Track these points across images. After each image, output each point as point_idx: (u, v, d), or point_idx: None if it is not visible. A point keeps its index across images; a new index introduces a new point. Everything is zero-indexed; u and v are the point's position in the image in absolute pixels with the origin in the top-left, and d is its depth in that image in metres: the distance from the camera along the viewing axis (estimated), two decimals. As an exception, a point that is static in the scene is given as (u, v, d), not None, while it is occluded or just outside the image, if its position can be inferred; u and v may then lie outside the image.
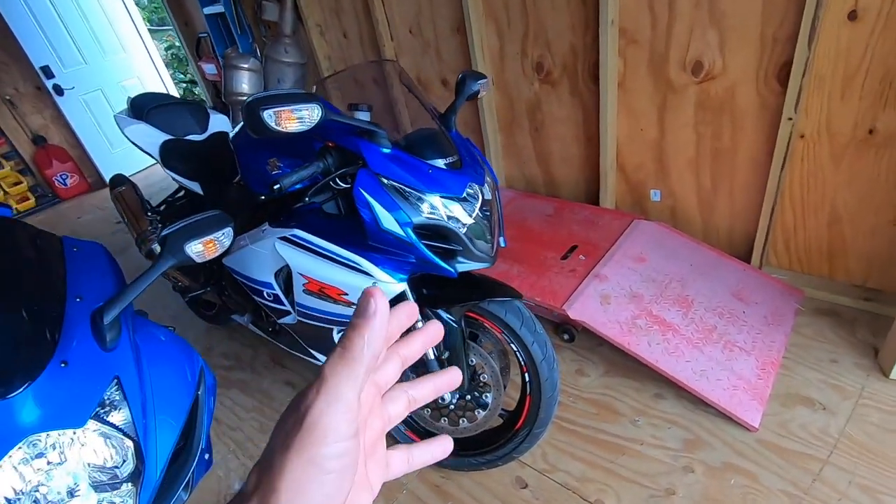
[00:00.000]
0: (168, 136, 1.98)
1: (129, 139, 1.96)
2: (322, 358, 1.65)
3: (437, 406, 1.49)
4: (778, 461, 1.44)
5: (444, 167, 1.23)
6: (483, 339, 1.48)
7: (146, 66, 5.20)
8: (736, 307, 1.87)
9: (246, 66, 3.19)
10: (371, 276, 1.23)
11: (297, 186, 1.27)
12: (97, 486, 0.75)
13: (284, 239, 1.33)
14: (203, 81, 4.56)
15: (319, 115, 1.02)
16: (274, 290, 1.49)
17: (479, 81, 1.45)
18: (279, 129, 0.99)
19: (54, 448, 0.72)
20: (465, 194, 1.21)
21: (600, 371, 1.83)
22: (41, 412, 0.70)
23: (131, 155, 4.44)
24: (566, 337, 1.98)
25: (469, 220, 1.23)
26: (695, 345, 1.73)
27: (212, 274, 1.94)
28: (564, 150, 2.44)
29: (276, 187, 1.13)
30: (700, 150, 2.01)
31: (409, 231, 1.15)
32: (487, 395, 1.46)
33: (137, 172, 5.08)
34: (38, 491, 0.71)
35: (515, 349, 1.40)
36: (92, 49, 4.70)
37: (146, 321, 0.93)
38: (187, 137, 2.01)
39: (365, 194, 1.14)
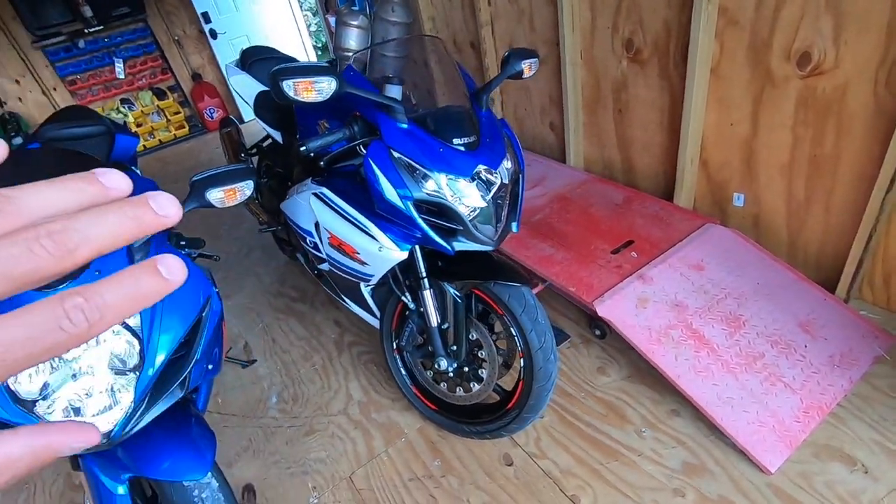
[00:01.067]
0: (263, 88, 2.22)
1: (231, 87, 2.23)
2: (353, 306, 1.82)
3: (436, 369, 1.58)
4: (784, 511, 1.31)
5: (459, 147, 1.25)
6: (494, 318, 1.52)
7: (288, 17, 5.68)
8: (797, 339, 1.65)
9: (355, 22, 3.35)
10: (378, 241, 1.32)
11: (333, 149, 1.39)
12: (112, 368, 0.96)
13: (316, 195, 1.47)
14: (329, 33, 4.88)
15: (335, 87, 1.11)
16: (314, 238, 1.66)
17: (526, 60, 1.42)
18: (297, 98, 1.10)
19: None
20: (472, 175, 1.23)
21: (622, 374, 1.77)
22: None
23: (263, 98, 4.98)
24: (597, 332, 1.92)
25: (481, 204, 1.26)
26: (730, 369, 1.58)
27: (282, 215, 2.19)
28: (647, 138, 2.26)
29: (302, 148, 1.26)
30: (796, 155, 1.75)
31: (409, 205, 1.21)
32: (483, 370, 1.51)
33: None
34: (76, 362, 0.94)
35: (514, 333, 1.42)
36: (243, -2, 5.25)
37: (172, 249, 1.13)
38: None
39: (373, 165, 1.22)
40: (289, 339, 2.26)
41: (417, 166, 1.21)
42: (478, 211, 1.26)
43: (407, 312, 1.56)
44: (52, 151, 1.09)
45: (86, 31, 4.69)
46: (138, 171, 1.91)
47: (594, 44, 2.28)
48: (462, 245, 1.27)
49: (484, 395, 1.54)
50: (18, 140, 4.28)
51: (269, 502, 1.60)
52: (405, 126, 1.24)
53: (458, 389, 1.57)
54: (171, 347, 1.01)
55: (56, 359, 0.93)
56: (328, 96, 1.12)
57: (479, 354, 1.50)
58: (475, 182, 1.25)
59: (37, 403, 0.90)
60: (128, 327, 0.98)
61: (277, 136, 2.12)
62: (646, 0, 1.96)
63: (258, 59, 2.32)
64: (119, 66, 4.98)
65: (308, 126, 1.59)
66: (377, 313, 1.73)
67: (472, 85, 1.43)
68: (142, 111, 5.24)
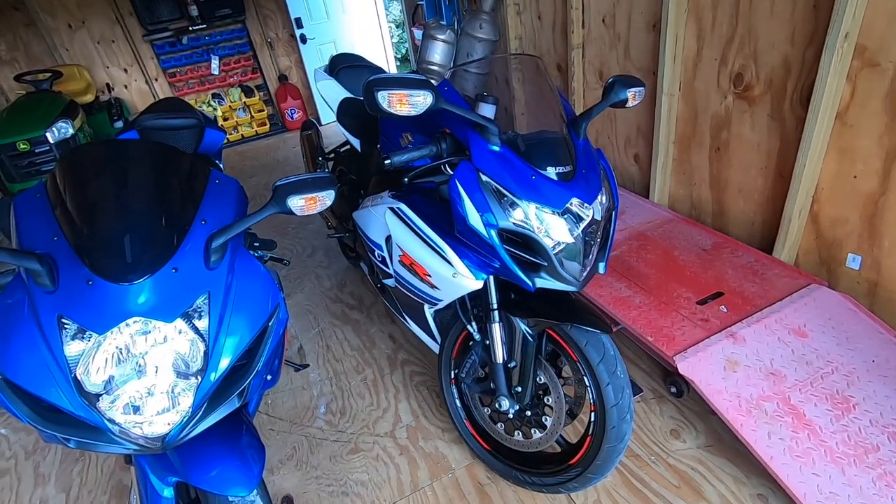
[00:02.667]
0: (348, 94, 2.23)
1: (318, 91, 2.26)
2: (413, 325, 1.75)
3: (495, 408, 1.47)
4: None
5: (552, 176, 1.16)
6: (565, 361, 1.40)
7: (374, 28, 5.84)
8: (921, 433, 1.41)
9: (441, 36, 3.36)
10: (453, 266, 1.25)
11: (415, 164, 1.33)
12: (175, 370, 0.93)
13: (393, 210, 1.42)
14: (412, 46, 4.95)
15: (430, 102, 1.05)
16: (382, 252, 1.61)
17: (632, 89, 1.30)
18: (390, 110, 1.05)
19: (158, 331, 0.92)
20: (564, 209, 1.13)
21: (699, 441, 1.58)
22: (147, 302, 0.90)
23: (342, 103, 5.11)
24: (673, 390, 1.74)
25: (568, 239, 1.15)
26: (835, 459, 1.37)
27: (352, 222, 2.18)
28: (746, 181, 2.07)
29: (387, 161, 1.21)
30: (936, 220, 1.52)
31: (493, 233, 1.13)
32: (548, 418, 1.38)
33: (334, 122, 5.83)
34: (142, 357, 0.92)
35: (588, 385, 1.29)
36: (335, 7, 5.44)
37: (247, 254, 1.10)
38: (362, 98, 2.23)
39: (459, 186, 1.14)
40: (342, 347, 2.23)
41: (506, 193, 1.13)
42: (563, 246, 1.16)
43: (471, 343, 1.47)
44: (146, 144, 1.10)
45: (190, 28, 5.02)
46: (222, 166, 1.96)
47: (696, 75, 2.12)
48: (544, 283, 1.17)
49: (545, 445, 1.41)
50: (119, 124, 4.60)
51: (306, 519, 1.54)
52: (497, 148, 1.16)
53: (516, 433, 1.45)
54: (235, 354, 0.97)
55: (124, 351, 0.91)
56: (422, 111, 1.06)
57: (546, 400, 1.38)
58: (565, 215, 1.15)
59: (100, 398, 0.88)
60: (195, 329, 0.95)
61: (357, 143, 2.12)
62: (764, 32, 1.79)
63: (346, 67, 2.34)
64: (215, 63, 5.28)
65: (391, 137, 1.55)
66: (437, 337, 1.65)
67: (569, 111, 1.34)
68: (230, 106, 5.52)
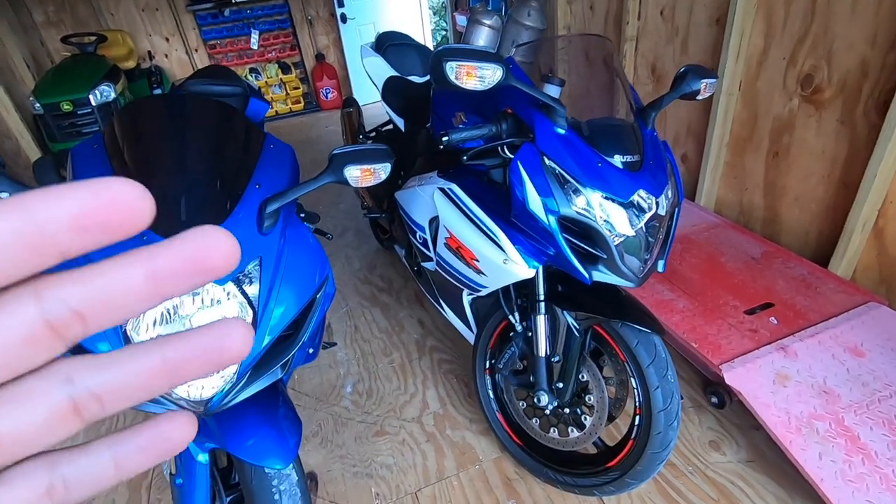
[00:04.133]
0: (394, 73, 2.18)
1: (364, 68, 2.22)
2: (449, 312, 1.71)
3: (532, 403, 1.42)
4: None
5: (618, 165, 1.10)
6: (608, 360, 1.35)
7: (415, 12, 5.77)
8: (985, 468, 1.32)
9: (488, 22, 3.28)
10: (504, 251, 1.20)
11: (469, 145, 1.29)
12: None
13: (442, 191, 1.37)
14: (453, 31, 4.88)
15: (500, 77, 0.99)
16: (425, 234, 1.57)
17: (705, 80, 1.23)
18: (457, 83, 1.00)
19: (207, 293, 0.89)
20: (630, 200, 1.07)
21: (740, 456, 1.51)
22: (200, 263, 0.87)
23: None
24: (714, 400, 1.67)
25: (629, 231, 1.10)
26: (892, 487, 1.29)
27: (389, 203, 2.14)
28: (804, 189, 1.97)
29: (444, 139, 1.16)
30: None
31: (553, 221, 1.08)
32: (587, 417, 1.33)
33: (372, 103, 5.79)
34: (189, 319, 0.89)
35: (635, 386, 1.23)
36: (377, -13, 5.39)
37: (300, 222, 1.07)
38: (409, 77, 2.19)
39: (521, 169, 1.09)
40: (370, 329, 2.20)
41: (570, 179, 1.07)
42: (624, 239, 1.10)
43: (511, 334, 1.42)
44: (207, 102, 1.07)
45: (233, 0, 5.02)
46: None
47: (760, 75, 2.02)
48: (601, 276, 1.11)
49: (581, 445, 1.36)
50: (158, 91, 4.64)
51: (330, 496, 1.53)
52: (563, 132, 1.10)
53: (552, 430, 1.41)
54: (283, 324, 0.94)
55: (172, 311, 0.89)
56: (490, 86, 1.01)
57: (587, 399, 1.32)
58: (629, 207, 1.09)
59: (147, 356, 0.86)
60: (245, 294, 0.92)
61: (400, 123, 2.07)
62: (842, 32, 1.69)
63: (393, 45, 2.30)
64: (255, 38, 5.28)
65: (443, 117, 1.50)
66: (473, 327, 1.61)
67: (637, 99, 1.27)
68: (266, 82, 5.53)
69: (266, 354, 0.96)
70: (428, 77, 2.25)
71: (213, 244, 0.16)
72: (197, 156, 0.97)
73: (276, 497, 1.00)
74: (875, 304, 1.68)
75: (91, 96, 3.64)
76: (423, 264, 1.68)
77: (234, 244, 0.17)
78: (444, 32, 6.67)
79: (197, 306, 0.90)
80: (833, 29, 1.71)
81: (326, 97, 5.72)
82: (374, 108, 5.66)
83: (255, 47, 5.37)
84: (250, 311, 0.92)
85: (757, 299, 1.78)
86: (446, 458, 1.60)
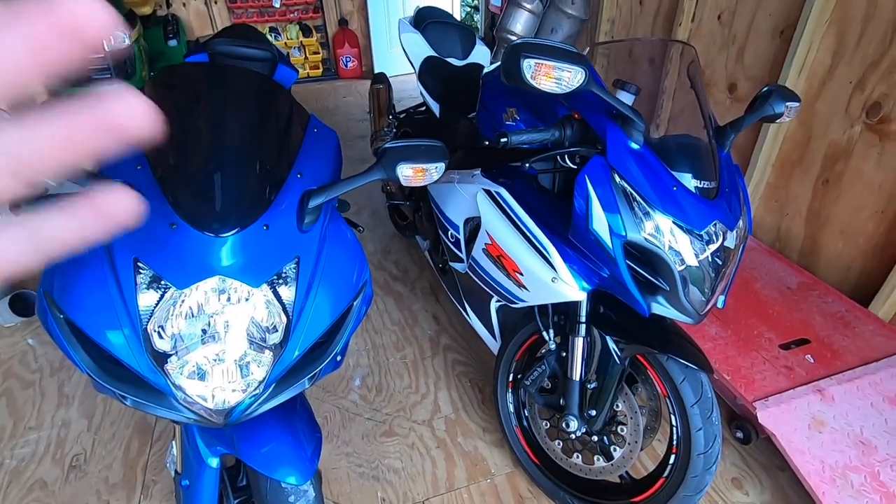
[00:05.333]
0: (432, 53, 2.05)
1: (401, 44, 2.08)
2: (473, 317, 1.63)
3: (558, 426, 1.35)
4: None
5: (693, 190, 1.00)
6: (641, 387, 1.27)
7: (445, -16, 5.54)
8: None
9: (529, 6, 3.12)
10: (554, 268, 1.10)
11: (524, 146, 1.18)
12: (249, 341, 0.82)
13: (488, 193, 1.27)
14: (485, 10, 4.68)
15: (581, 81, 0.89)
16: (458, 234, 1.48)
17: (790, 103, 1.12)
18: (532, 82, 0.89)
19: (235, 292, 0.80)
20: (704, 231, 0.98)
21: (763, 498, 1.46)
22: (234, 261, 0.78)
23: (399, 59, 4.89)
24: (739, 435, 1.61)
25: (693, 262, 1.00)
26: (922, 549, 1.23)
27: (416, 191, 2.03)
28: (853, 222, 1.87)
29: (503, 140, 1.06)
30: None
31: (618, 244, 0.98)
32: (617, 448, 1.26)
33: (393, 77, 5.60)
34: (212, 317, 0.80)
35: (675, 423, 1.16)
36: (409, -44, 5.16)
37: (340, 218, 0.97)
38: (448, 59, 2.06)
39: (588, 184, 0.99)
40: (382, 320, 2.12)
41: (642, 201, 0.97)
42: (686, 268, 1.01)
43: (543, 350, 1.34)
44: (249, 74, 0.96)
45: (259, -47, 4.79)
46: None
47: (821, 96, 1.90)
48: (662, 309, 1.03)
49: (606, 476, 1.30)
50: (174, 42, 4.45)
51: (333, 496, 1.46)
52: (638, 147, 1.00)
53: (575, 456, 1.34)
54: (317, 334, 0.86)
55: (197, 311, 0.79)
56: (567, 90, 0.90)
57: (619, 430, 1.25)
58: (699, 237, 1.00)
59: (168, 359, 0.77)
60: (279, 298, 0.83)
61: (436, 108, 1.95)
62: (925, 61, 1.57)
63: (434, 22, 2.15)
64: (278, -5, 5.06)
65: (493, 111, 1.39)
66: (498, 336, 1.53)
67: (710, 115, 1.16)
68: (286, 43, 5.32)
69: (292, 367, 0.87)
70: (468, 61, 2.12)
71: (128, 107, 0.18)
72: (236, 135, 0.87)
73: (292, 514, 0.93)
74: (917, 352, 1.61)
75: (103, 41, 3.46)
76: (451, 264, 1.59)
77: (148, 109, 0.18)
78: (467, 9, 6.41)
79: (227, 307, 0.80)
80: (914, 56, 1.60)
81: (346, 66, 5.53)
82: (398, 81, 5.49)
83: (278, 5, 5.15)
84: (284, 318, 0.83)
85: (793, 333, 1.70)
86: (457, 467, 1.54)
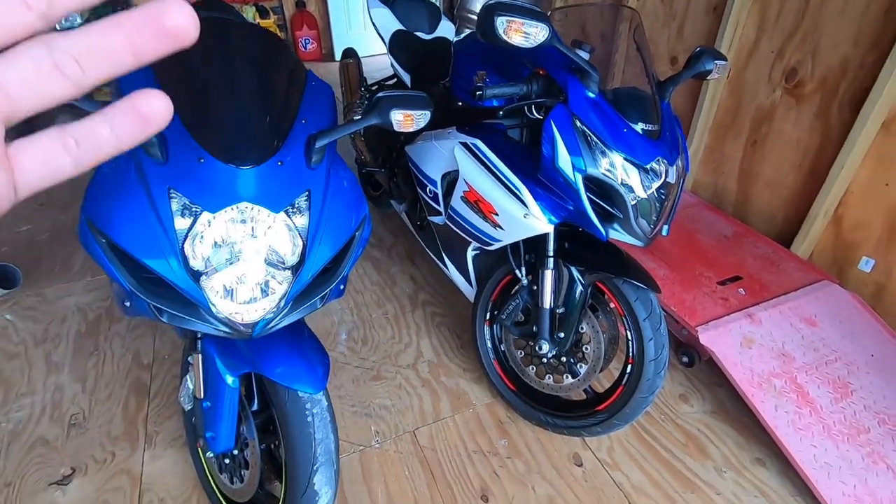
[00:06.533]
0: (401, 27, 2.17)
1: (371, 19, 2.19)
2: (450, 267, 1.78)
3: (532, 352, 1.53)
4: None
5: (639, 131, 1.18)
6: (601, 317, 1.46)
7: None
8: (906, 422, 1.56)
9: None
10: (525, 205, 1.27)
11: (494, 103, 1.34)
12: (268, 262, 0.94)
13: (464, 145, 1.42)
14: (443, -7, 4.79)
15: (545, 36, 1.04)
16: (436, 189, 1.62)
17: (718, 61, 1.33)
18: (504, 38, 1.04)
19: (254, 221, 0.91)
20: (649, 165, 1.17)
21: (705, 408, 1.70)
22: (255, 190, 0.90)
23: (360, 39, 4.93)
24: (685, 360, 1.84)
25: (642, 194, 1.19)
26: (832, 436, 1.50)
27: (390, 158, 2.16)
28: (777, 176, 2.14)
29: (478, 93, 1.21)
30: (956, 234, 1.62)
31: (579, 178, 1.16)
32: (582, 365, 1.46)
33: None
34: (236, 244, 0.91)
35: (630, 338, 1.36)
36: (367, -62, 5.18)
37: (341, 161, 1.10)
38: (416, 33, 2.18)
39: (554, 128, 1.16)
40: (362, 281, 2.25)
41: (598, 141, 1.15)
42: (638, 201, 1.20)
43: (516, 287, 1.51)
44: (255, 28, 1.06)
45: (211, -67, 4.70)
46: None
47: (748, 66, 2.15)
48: (616, 234, 1.21)
49: (573, 391, 1.49)
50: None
51: (329, 434, 1.59)
52: (593, 96, 1.17)
53: (547, 377, 1.52)
54: (327, 257, 0.98)
55: (226, 235, 0.90)
56: (534, 44, 1.06)
57: (583, 349, 1.45)
58: (646, 172, 1.19)
59: (201, 276, 0.88)
60: (295, 225, 0.95)
61: (407, 78, 2.08)
62: (830, 30, 1.83)
63: (401, -1, 2.27)
64: (233, -24, 4.98)
65: (465, 74, 1.53)
66: (474, 282, 1.69)
67: (653, 73, 1.35)
68: (242, 25, 5.25)
69: (307, 286, 1.00)
70: (435, 35, 2.25)
71: (171, 10, 0.20)
72: (249, 83, 0.98)
73: (309, 419, 1.06)
74: (828, 283, 1.89)
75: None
76: (430, 218, 1.73)
77: (188, 9, 0.20)
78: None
79: (250, 232, 0.92)
80: (822, 26, 1.85)
81: (305, 48, 5.51)
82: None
83: (233, -13, 5.07)
84: (300, 242, 0.95)
85: (728, 272, 1.95)
86: (441, 401, 1.70)
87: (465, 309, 2.04)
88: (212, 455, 1.23)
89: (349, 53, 2.46)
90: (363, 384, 1.76)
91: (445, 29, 2.29)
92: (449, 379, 1.78)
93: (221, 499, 1.33)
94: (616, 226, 1.21)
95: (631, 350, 1.36)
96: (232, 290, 0.92)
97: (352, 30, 5.45)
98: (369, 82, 2.38)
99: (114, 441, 1.57)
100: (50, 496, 1.43)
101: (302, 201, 0.96)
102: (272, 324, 0.96)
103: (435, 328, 2.00)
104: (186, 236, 0.87)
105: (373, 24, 2.20)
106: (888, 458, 1.47)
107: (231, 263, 0.91)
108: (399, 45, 2.13)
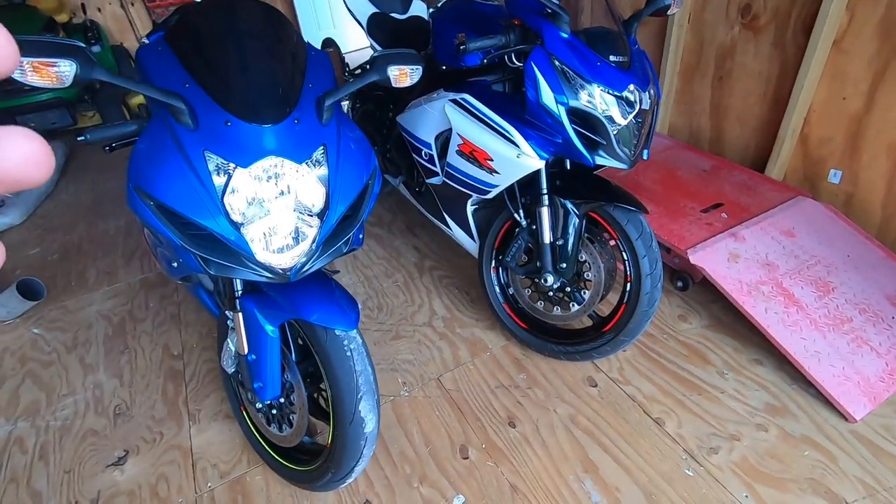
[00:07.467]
0: (376, 10, 2.27)
1: (346, 5, 2.28)
2: (452, 225, 1.89)
3: (538, 289, 1.65)
4: (866, 454, 1.38)
5: (612, 64, 1.30)
6: (598, 247, 1.59)
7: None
8: (885, 310, 1.70)
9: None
10: (518, 146, 1.39)
11: (476, 61, 1.45)
12: (298, 214, 1.04)
13: (454, 102, 1.53)
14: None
15: (517, -16, 1.16)
16: (431, 150, 1.73)
17: (674, -4, 1.45)
18: (483, -10, 1.15)
19: (281, 175, 1.00)
20: (624, 93, 1.29)
21: (703, 323, 1.83)
22: (278, 144, 1.00)
23: (331, 37, 5.01)
24: (680, 284, 1.98)
25: (622, 122, 1.31)
26: (818, 328, 1.64)
27: (381, 134, 2.26)
28: (745, 108, 2.28)
29: (461, 47, 1.32)
30: (910, 134, 1.77)
31: (563, 111, 1.27)
32: (586, 292, 1.58)
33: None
34: (265, 201, 1.01)
35: (626, 258, 1.48)
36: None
37: (349, 120, 1.20)
38: (391, 14, 2.28)
39: (535, 69, 1.27)
40: (369, 257, 2.35)
41: (576, 76, 1.27)
42: (618, 129, 1.32)
43: (517, 230, 1.63)
44: (259, 4, 1.16)
45: (170, -51, 4.73)
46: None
47: (706, 7, 2.28)
48: (602, 159, 1.33)
49: (580, 317, 1.62)
50: (97, 48, 4.36)
51: (360, 391, 1.70)
52: (566, 36, 1.29)
53: (555, 309, 1.65)
54: (348, 202, 1.09)
55: (259, 189, 0.99)
56: (508, -7, 1.17)
57: (586, 276, 1.57)
58: (621, 101, 1.31)
59: (242, 226, 0.99)
60: (317, 177, 1.06)
61: (387, 57, 2.17)
62: (776, -35, 1.96)
63: (372, -17, 2.36)
64: (197, -10, 5.02)
65: (446, 38, 1.64)
66: (476, 236, 1.81)
67: (618, 13, 1.47)
68: (212, 38, 5.29)
69: (333, 231, 1.10)
70: (409, 14, 2.35)
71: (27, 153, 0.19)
72: (261, 52, 1.08)
73: (348, 354, 1.17)
74: (802, 198, 2.03)
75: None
76: (427, 181, 1.84)
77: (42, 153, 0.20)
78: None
79: (281, 184, 1.01)
80: (767, -38, 1.98)
81: (277, 54, 5.56)
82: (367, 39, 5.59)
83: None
84: (323, 189, 1.06)
85: (710, 200, 2.08)
86: (460, 350, 1.82)
87: (470, 269, 2.17)
88: (260, 406, 1.34)
89: (328, 43, 2.55)
90: (385, 344, 1.87)
91: (418, 8, 2.39)
92: (464, 329, 1.90)
93: (270, 450, 1.44)
94: (601, 151, 1.33)
95: (628, 270, 1.49)
96: (269, 239, 1.02)
97: (321, 29, 5.52)
98: (353, 67, 2.48)
99: (159, 423, 1.67)
100: (108, 476, 1.52)
101: (319, 154, 1.07)
102: (307, 266, 1.06)
103: (444, 289, 2.11)
104: (224, 192, 0.97)
105: (348, 10, 2.30)
106: (871, 341, 1.61)
107: (264, 216, 1.01)
108: (376, 26, 2.23)
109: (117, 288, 2.32)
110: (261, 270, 1.02)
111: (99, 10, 4.89)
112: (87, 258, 2.57)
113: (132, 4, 4.97)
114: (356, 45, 5.40)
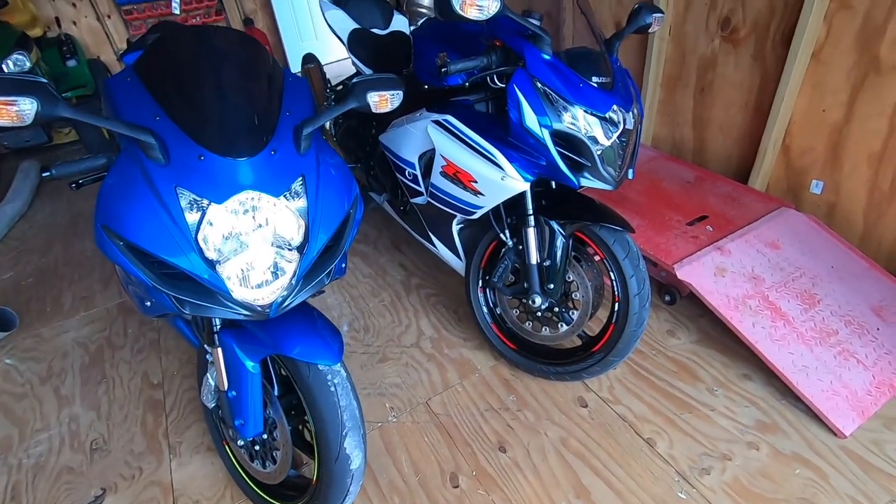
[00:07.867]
0: (357, 26, 2.24)
1: (326, 21, 2.25)
2: (438, 244, 1.87)
3: (526, 309, 1.63)
4: (857, 471, 1.37)
5: (594, 85, 1.29)
6: (585, 266, 1.57)
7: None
8: (870, 321, 1.71)
9: (432, -20, 3.35)
10: (502, 168, 1.37)
11: (458, 81, 1.43)
12: (276, 245, 1.01)
13: (437, 123, 1.51)
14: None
15: (498, 7, 1.14)
16: (415, 170, 1.70)
17: (654, 15, 1.44)
18: (461, 13, 1.13)
19: (257, 208, 0.97)
20: (608, 115, 1.27)
21: (692, 338, 1.83)
22: (254, 178, 0.96)
23: (313, 49, 4.94)
24: (667, 298, 1.97)
25: (605, 143, 1.30)
26: (805, 342, 1.64)
27: (364, 152, 2.23)
28: (727, 119, 2.29)
29: (444, 70, 1.30)
30: (890, 145, 1.79)
31: (547, 134, 1.26)
32: (574, 312, 1.56)
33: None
34: (241, 235, 0.97)
35: (613, 278, 1.47)
36: (304, -52, 5.20)
37: (329, 146, 1.17)
38: (372, 30, 2.26)
39: (517, 91, 1.25)
40: (355, 275, 2.31)
41: (559, 98, 1.25)
42: (602, 150, 1.31)
43: (503, 250, 1.61)
44: (232, 32, 1.12)
45: (147, -39, 4.66)
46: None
47: (687, 19, 2.30)
48: (586, 181, 1.32)
49: (568, 337, 1.60)
50: (73, 62, 4.26)
51: (347, 417, 1.66)
52: (549, 57, 1.27)
53: (543, 329, 1.62)
54: (328, 235, 1.06)
55: (234, 225, 0.95)
56: (488, 16, 1.15)
57: (573, 297, 1.55)
58: (605, 122, 1.29)
59: (217, 264, 0.95)
60: (296, 209, 1.02)
61: (369, 73, 2.15)
62: (754, -22, 1.98)
63: (352, -1, 2.33)
64: (176, 2, 4.95)
65: (427, 57, 1.62)
66: (462, 255, 1.78)
67: (599, 31, 1.46)
68: (191, 50, 5.22)
69: (314, 264, 1.07)
70: (390, 30, 2.33)
71: None
72: (235, 82, 1.04)
73: (332, 389, 1.13)
74: (785, 209, 2.05)
75: (4, 65, 3.32)
76: (412, 201, 1.81)
77: None
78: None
79: (257, 219, 0.97)
80: (745, -25, 2.00)
81: (258, 65, 5.50)
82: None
83: (178, 12, 5.03)
84: (302, 222, 1.02)
85: (695, 213, 2.09)
86: (448, 371, 1.79)
87: (457, 287, 2.14)
88: (242, 443, 1.29)
89: (309, 59, 2.52)
90: (372, 367, 1.83)
91: (399, 23, 2.37)
92: (452, 350, 1.87)
93: (254, 486, 1.39)
94: (586, 173, 1.31)
95: (616, 290, 1.47)
96: (246, 275, 0.99)
97: (303, 41, 5.48)
98: (334, 83, 2.45)
99: (138, 457, 1.61)
100: (86, 517, 1.46)
101: (298, 186, 1.03)
102: (287, 302, 1.03)
103: (431, 307, 2.08)
104: (198, 229, 0.93)
105: (329, 25, 2.27)
106: (857, 354, 1.61)
107: (241, 252, 0.98)
108: (357, 42, 2.20)
109: (94, 313, 2.25)
110: (238, 309, 0.99)
111: (74, 23, 4.80)
112: (62, 282, 2.50)
113: (108, 17, 4.89)
114: (339, 55, 5.36)
